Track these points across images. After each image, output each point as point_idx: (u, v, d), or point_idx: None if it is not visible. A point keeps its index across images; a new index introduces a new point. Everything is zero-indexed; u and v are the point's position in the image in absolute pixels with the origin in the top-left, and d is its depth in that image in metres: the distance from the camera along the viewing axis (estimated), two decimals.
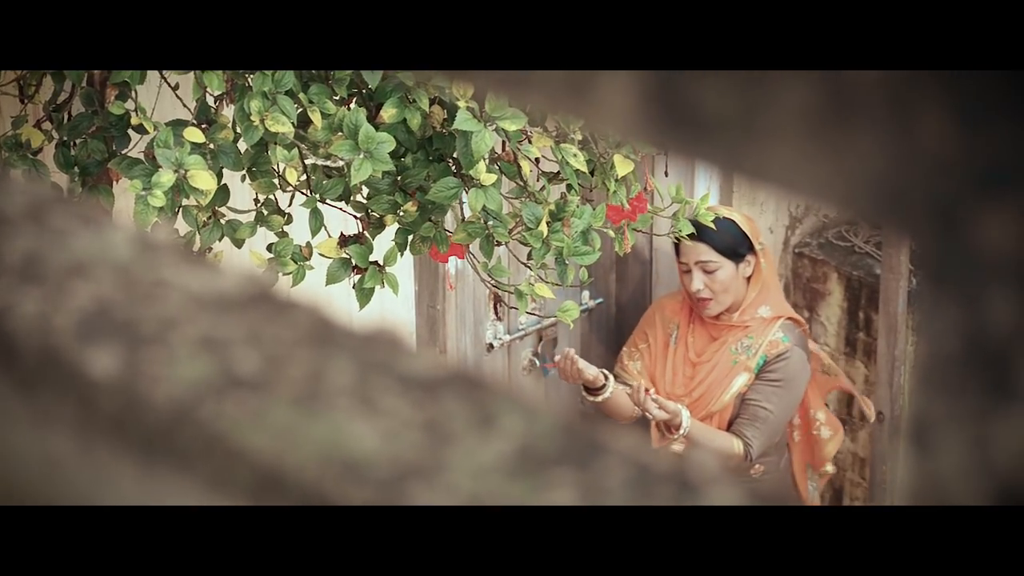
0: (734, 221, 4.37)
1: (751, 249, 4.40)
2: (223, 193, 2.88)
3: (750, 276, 4.43)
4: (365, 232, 2.98)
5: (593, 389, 4.29)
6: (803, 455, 4.66)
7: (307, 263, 2.94)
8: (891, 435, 4.80)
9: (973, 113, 0.62)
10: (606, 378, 4.26)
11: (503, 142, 2.94)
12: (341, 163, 2.89)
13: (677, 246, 4.35)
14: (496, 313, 4.76)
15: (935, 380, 0.67)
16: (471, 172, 2.83)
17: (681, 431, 4.22)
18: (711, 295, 4.40)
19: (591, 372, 4.22)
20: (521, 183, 3.00)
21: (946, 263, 0.65)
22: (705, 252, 4.36)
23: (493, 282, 3.14)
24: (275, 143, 2.80)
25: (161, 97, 3.06)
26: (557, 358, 4.30)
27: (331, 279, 2.94)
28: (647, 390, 4.19)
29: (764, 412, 4.34)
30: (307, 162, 2.92)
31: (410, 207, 2.90)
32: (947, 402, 0.67)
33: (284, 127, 2.73)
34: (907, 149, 0.64)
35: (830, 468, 4.68)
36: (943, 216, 0.64)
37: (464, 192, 2.88)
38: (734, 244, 4.37)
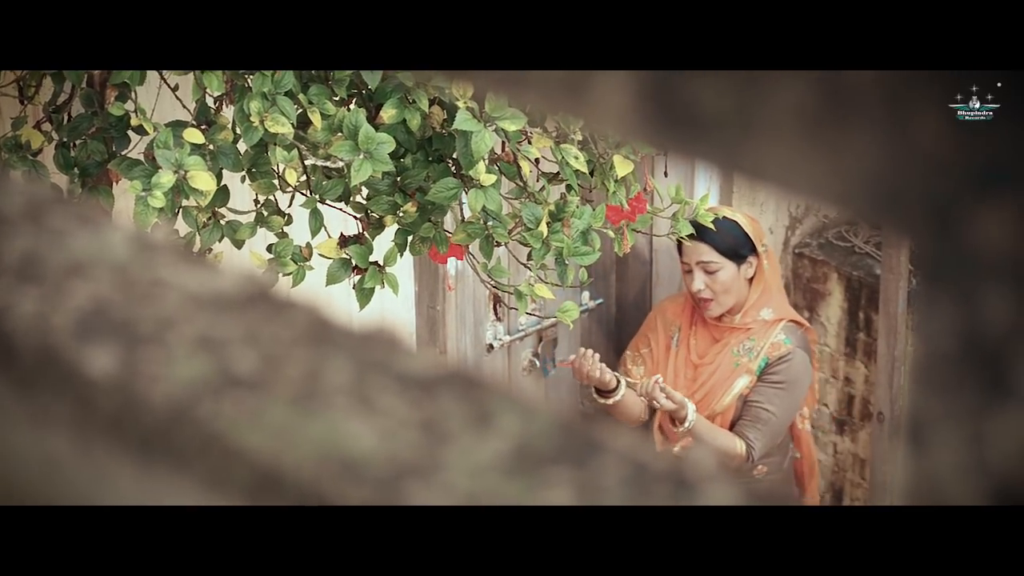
0: (737, 222, 4.36)
1: (754, 250, 4.39)
2: (223, 194, 2.88)
3: (752, 277, 4.42)
4: (365, 232, 2.98)
5: (605, 392, 4.30)
6: None
7: (307, 264, 2.94)
8: (891, 435, 4.80)
9: None
10: (618, 381, 4.28)
11: (503, 142, 2.94)
12: (341, 164, 2.89)
13: (680, 246, 4.35)
14: (496, 314, 4.75)
15: (932, 379, 0.67)
16: (471, 172, 2.83)
17: (686, 424, 4.23)
18: (712, 296, 4.40)
19: (608, 374, 4.24)
20: (521, 183, 3.00)
21: (942, 262, 0.65)
22: (706, 252, 4.35)
23: (493, 283, 3.14)
24: (275, 144, 2.80)
25: (161, 98, 3.06)
26: (572, 357, 4.30)
27: (331, 279, 2.94)
28: (655, 380, 4.20)
29: (766, 414, 4.34)
30: (307, 163, 2.92)
31: (410, 208, 2.90)
32: (944, 400, 0.67)
33: (284, 128, 2.73)
34: (903, 149, 0.64)
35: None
36: (939, 215, 0.64)
37: (464, 193, 2.88)
38: (736, 245, 4.36)
